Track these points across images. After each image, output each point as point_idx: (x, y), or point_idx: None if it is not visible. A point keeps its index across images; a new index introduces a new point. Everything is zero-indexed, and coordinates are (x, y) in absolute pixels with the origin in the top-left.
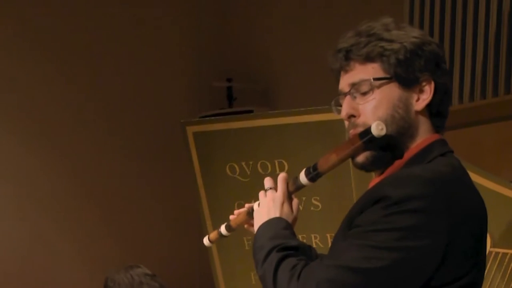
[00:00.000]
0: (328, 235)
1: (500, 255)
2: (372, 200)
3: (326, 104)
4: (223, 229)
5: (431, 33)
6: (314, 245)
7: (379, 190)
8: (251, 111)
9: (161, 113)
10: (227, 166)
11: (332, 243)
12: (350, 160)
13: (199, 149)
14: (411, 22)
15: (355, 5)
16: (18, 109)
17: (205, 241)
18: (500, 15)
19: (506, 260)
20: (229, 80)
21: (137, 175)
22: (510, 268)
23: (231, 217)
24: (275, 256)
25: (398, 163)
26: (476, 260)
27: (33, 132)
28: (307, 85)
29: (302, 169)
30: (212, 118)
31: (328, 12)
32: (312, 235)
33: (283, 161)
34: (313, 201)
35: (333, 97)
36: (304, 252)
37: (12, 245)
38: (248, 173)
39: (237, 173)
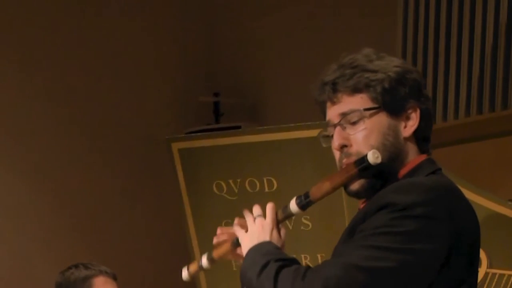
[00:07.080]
0: (319, 255)
1: (497, 276)
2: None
3: (315, 120)
4: (204, 261)
5: (426, 47)
6: None
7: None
8: (238, 127)
9: (145, 129)
10: (214, 184)
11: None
12: None
13: (185, 166)
14: (404, 34)
15: (346, 23)
16: None
17: (184, 274)
18: (497, 27)
19: (503, 281)
20: (216, 94)
21: (122, 193)
22: None
23: (215, 251)
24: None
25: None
26: (472, 268)
27: (14, 152)
28: (296, 101)
29: (291, 186)
30: (199, 134)
31: (318, 27)
32: (302, 256)
33: (272, 179)
34: (303, 220)
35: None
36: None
37: None
38: (236, 191)
39: (224, 191)
